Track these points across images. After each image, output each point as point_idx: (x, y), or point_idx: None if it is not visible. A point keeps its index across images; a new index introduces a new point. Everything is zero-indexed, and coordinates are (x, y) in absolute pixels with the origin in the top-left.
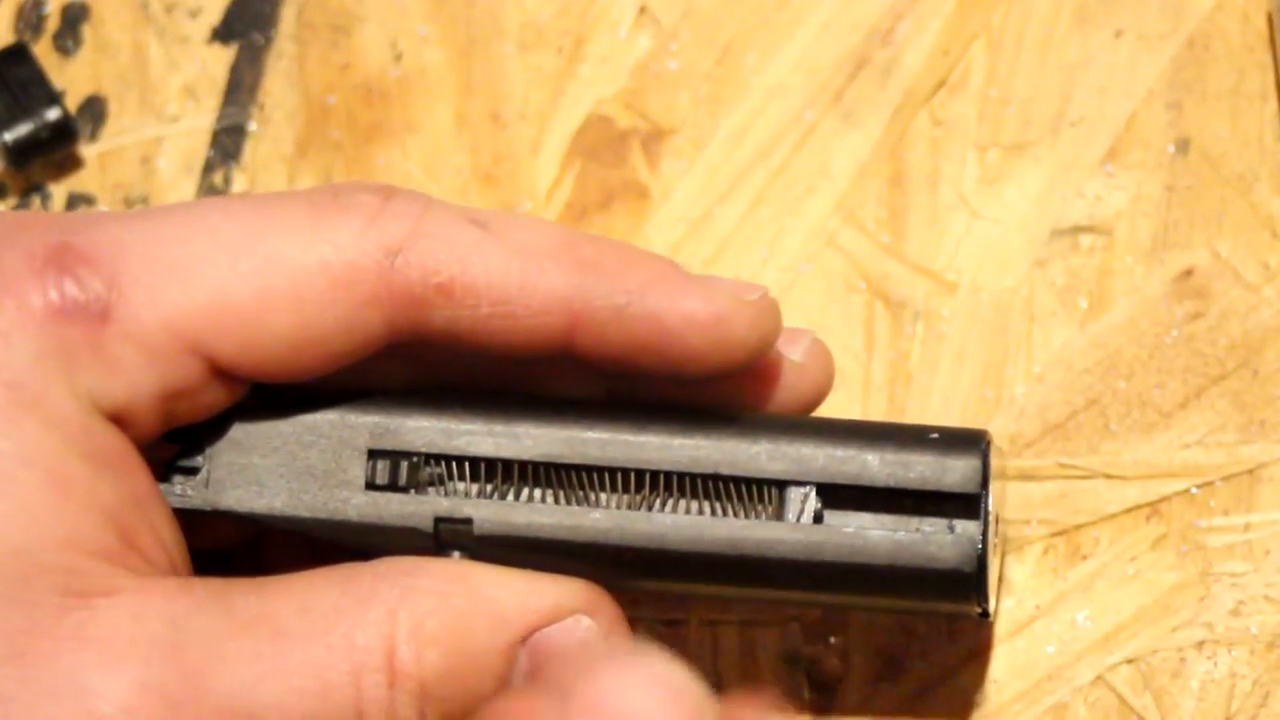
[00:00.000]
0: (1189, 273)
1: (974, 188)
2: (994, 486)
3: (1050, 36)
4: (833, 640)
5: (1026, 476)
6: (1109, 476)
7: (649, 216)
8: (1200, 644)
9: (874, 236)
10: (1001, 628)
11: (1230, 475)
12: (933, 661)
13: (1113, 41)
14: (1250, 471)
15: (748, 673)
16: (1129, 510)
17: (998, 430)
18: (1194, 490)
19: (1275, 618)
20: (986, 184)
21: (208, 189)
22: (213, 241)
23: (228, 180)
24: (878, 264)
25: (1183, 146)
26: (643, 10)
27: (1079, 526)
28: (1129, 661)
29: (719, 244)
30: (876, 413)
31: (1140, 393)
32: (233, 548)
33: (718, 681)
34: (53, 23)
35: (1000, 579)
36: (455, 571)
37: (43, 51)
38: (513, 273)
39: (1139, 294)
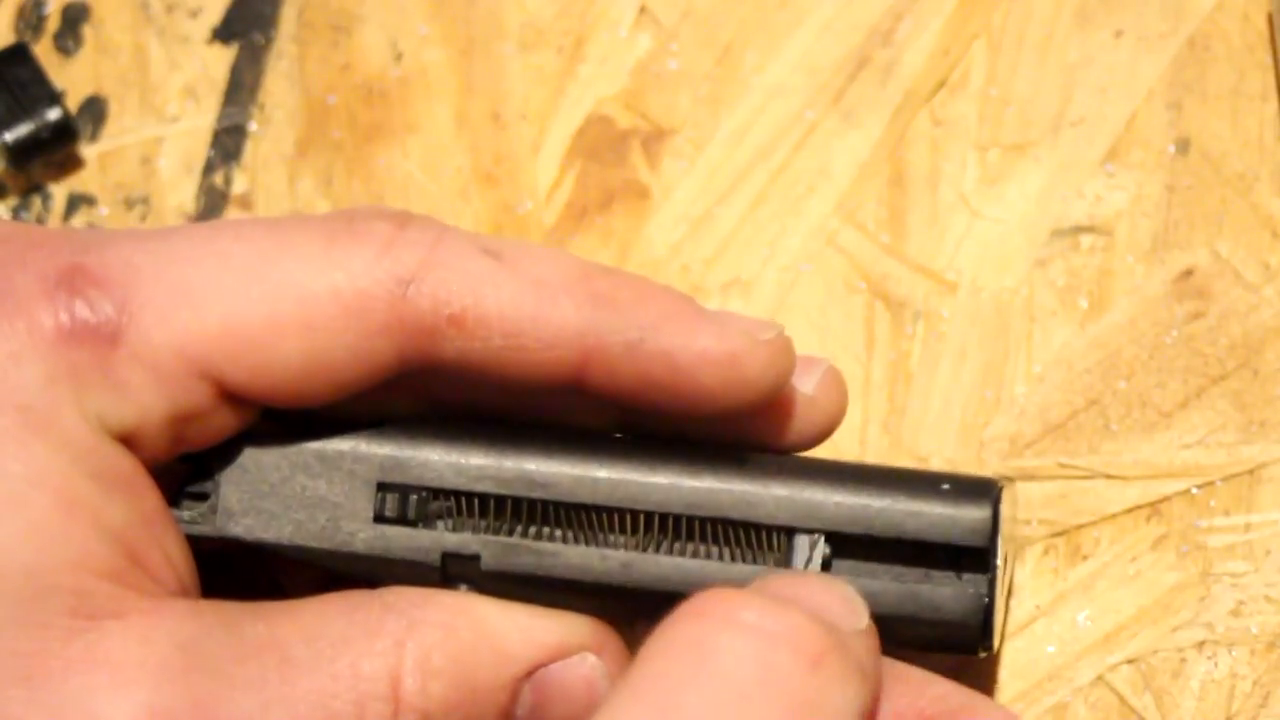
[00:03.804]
0: (1189, 273)
1: (974, 188)
2: (1004, 511)
3: (1050, 36)
4: None
5: (1027, 476)
6: (1109, 476)
7: (649, 216)
8: (1201, 644)
9: (874, 236)
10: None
11: (1230, 475)
12: (933, 661)
13: (1113, 41)
14: (1250, 471)
15: None
16: (1129, 510)
17: (998, 430)
18: (1194, 490)
19: (1275, 618)
20: (987, 184)
21: (208, 189)
22: (224, 265)
23: (228, 180)
24: (878, 264)
25: (1183, 146)
26: (643, 10)
27: (1079, 526)
28: (1129, 662)
29: (719, 244)
30: (877, 413)
31: (1140, 393)
32: (235, 552)
33: None
34: (53, 23)
35: (1010, 588)
36: (462, 605)
37: (43, 51)
38: (525, 305)
39: (1139, 294)
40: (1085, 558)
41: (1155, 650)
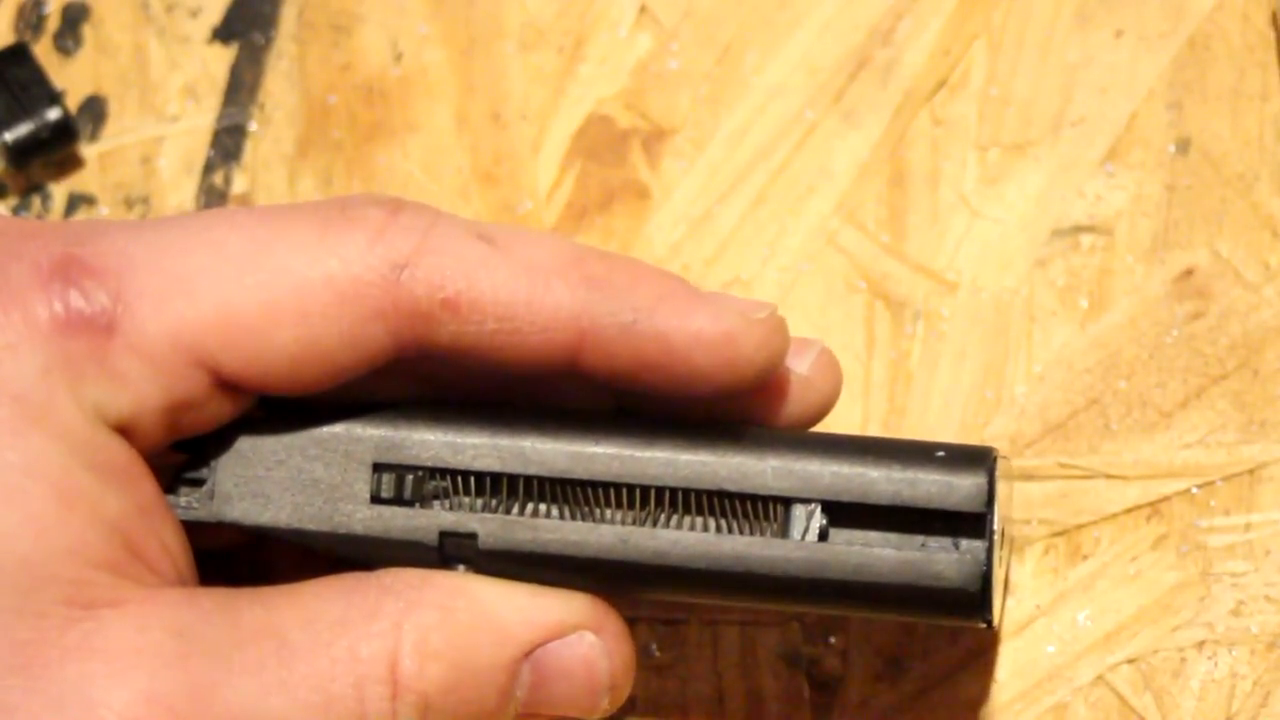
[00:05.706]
0: (1189, 273)
1: (974, 188)
2: (1001, 490)
3: (1050, 36)
4: (833, 640)
5: (1027, 476)
6: (1109, 476)
7: (649, 216)
8: (1201, 644)
9: (874, 236)
10: (1002, 628)
11: (1230, 475)
12: (933, 661)
13: (1113, 41)
14: (1250, 471)
15: (748, 672)
16: (1129, 510)
17: (998, 430)
18: (1194, 490)
19: (1275, 618)
20: (987, 184)
21: (208, 189)
22: (218, 254)
23: (228, 180)
24: (878, 264)
25: (1183, 146)
26: (643, 10)
27: (1079, 526)
28: (1129, 661)
29: (719, 244)
30: (877, 412)
31: (1141, 393)
32: (234, 549)
33: (718, 681)
34: (53, 23)
35: (1006, 582)
36: (460, 586)
37: (43, 51)
38: (519, 289)
39: (1139, 294)
40: (1085, 558)
41: (1155, 650)
